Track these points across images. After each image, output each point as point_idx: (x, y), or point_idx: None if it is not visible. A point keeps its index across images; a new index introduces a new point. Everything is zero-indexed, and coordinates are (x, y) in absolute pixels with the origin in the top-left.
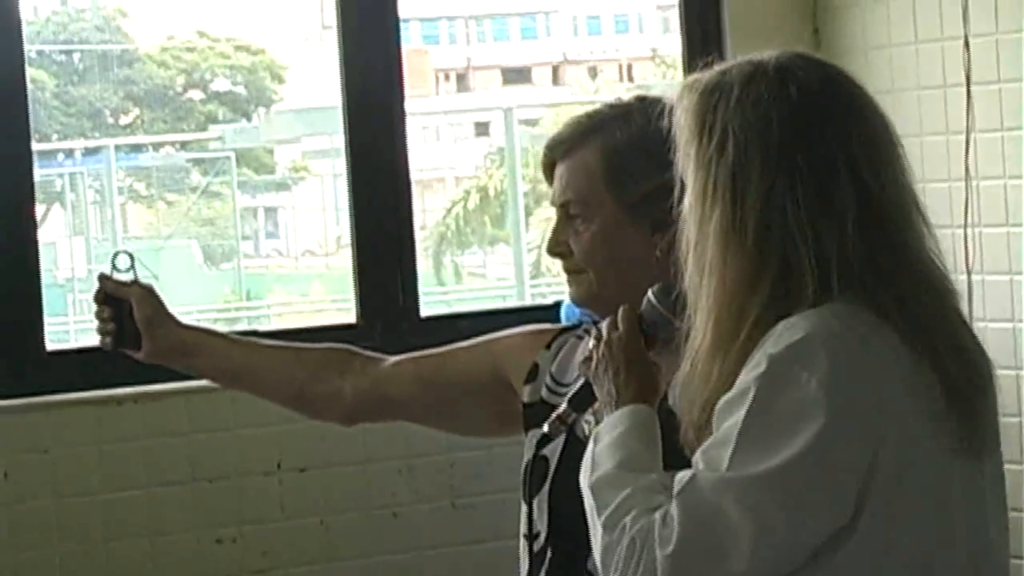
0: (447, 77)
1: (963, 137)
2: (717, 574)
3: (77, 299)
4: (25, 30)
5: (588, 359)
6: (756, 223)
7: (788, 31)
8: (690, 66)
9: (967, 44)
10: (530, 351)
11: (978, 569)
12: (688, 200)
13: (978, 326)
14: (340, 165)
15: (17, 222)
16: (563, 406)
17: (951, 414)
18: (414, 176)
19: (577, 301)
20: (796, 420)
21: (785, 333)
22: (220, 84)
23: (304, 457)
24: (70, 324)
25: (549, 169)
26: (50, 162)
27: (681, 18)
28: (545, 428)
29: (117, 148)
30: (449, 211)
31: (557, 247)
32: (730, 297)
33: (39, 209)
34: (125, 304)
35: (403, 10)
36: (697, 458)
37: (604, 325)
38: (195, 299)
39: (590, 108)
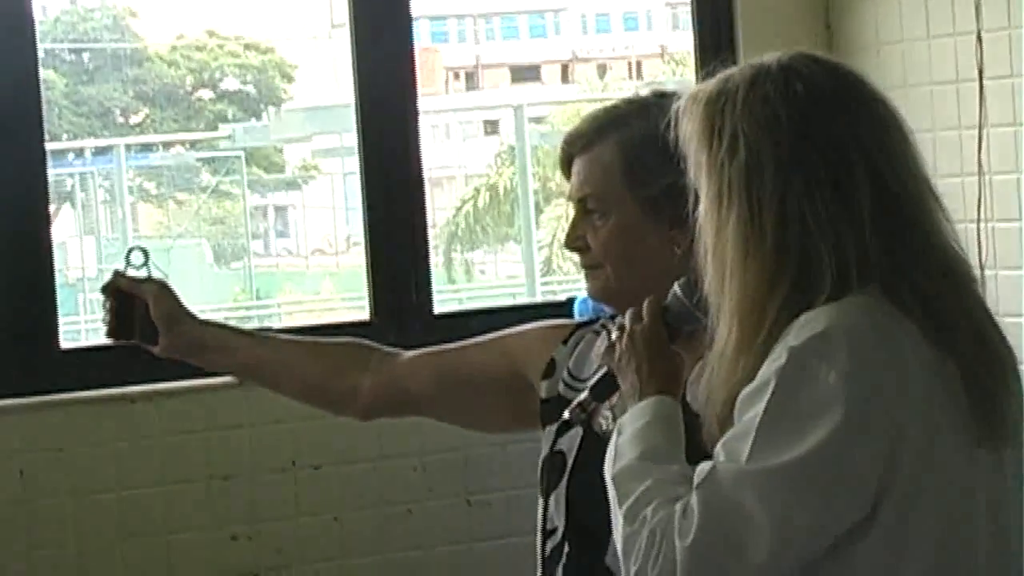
0: (456, 75)
1: (976, 132)
2: (736, 566)
3: (88, 299)
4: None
5: (611, 349)
6: (774, 222)
7: (800, 27)
8: (702, 64)
9: (980, 39)
10: (547, 346)
11: (997, 560)
12: (703, 206)
13: None
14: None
15: (31, 221)
16: (584, 394)
17: (972, 405)
18: (424, 174)
19: (594, 296)
20: (815, 413)
21: (806, 326)
22: (230, 83)
23: (319, 454)
24: (81, 324)
25: (567, 164)
26: (60, 162)
27: (693, 15)
28: (566, 415)
29: (127, 148)
30: (459, 209)
31: (575, 242)
32: (751, 297)
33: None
34: (139, 299)
35: (413, 9)
36: (718, 450)
37: (627, 316)
38: (205, 298)
39: (608, 103)
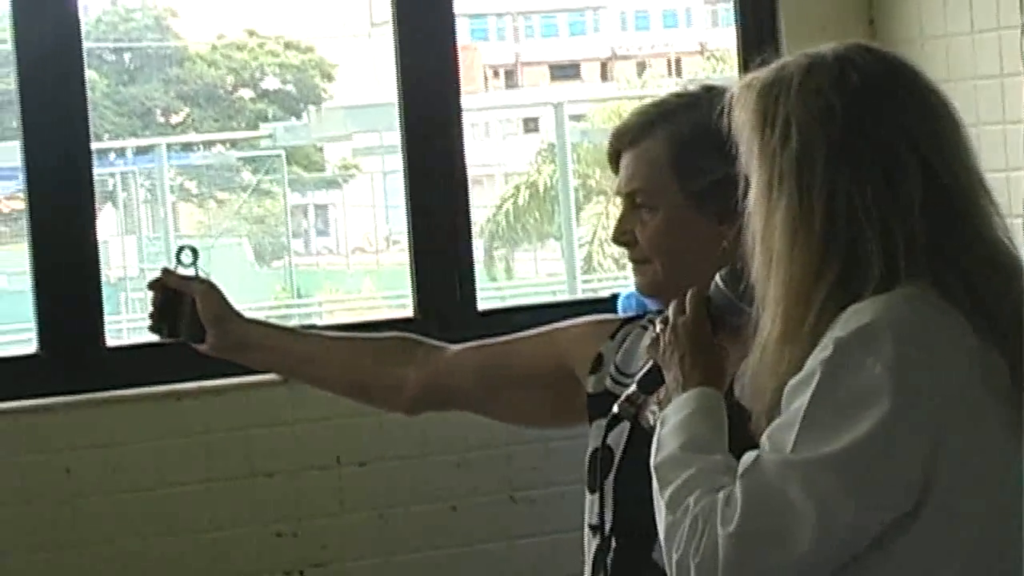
0: (496, 73)
1: (1021, 127)
2: (778, 555)
3: (130, 298)
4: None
5: (655, 342)
6: (823, 211)
7: (844, 22)
8: (745, 60)
9: None
10: (594, 341)
11: None
12: (753, 194)
13: None
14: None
15: (77, 221)
16: (632, 387)
17: (1019, 398)
18: (467, 172)
19: (643, 291)
20: (861, 404)
21: (852, 318)
22: (270, 82)
23: (363, 451)
24: (123, 323)
25: (615, 158)
26: (102, 161)
27: (736, 11)
28: (615, 409)
29: (168, 147)
30: (500, 207)
31: (622, 236)
32: (798, 286)
33: None
34: (187, 297)
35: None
36: (763, 440)
37: (671, 309)
38: (246, 297)
39: (656, 98)
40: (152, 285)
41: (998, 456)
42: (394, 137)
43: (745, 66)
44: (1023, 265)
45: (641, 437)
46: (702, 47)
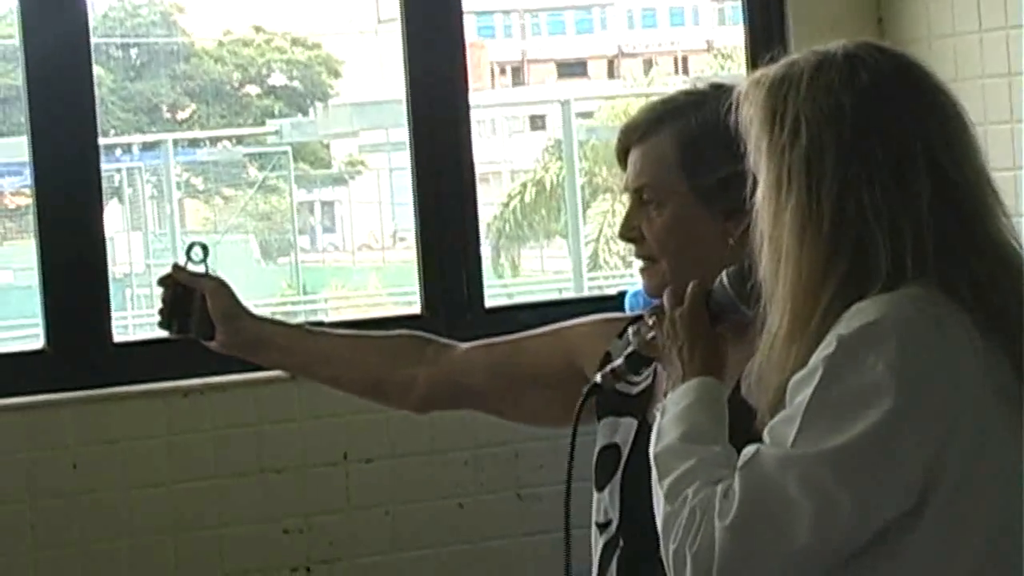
0: (503, 71)
1: None
2: (775, 549)
3: (136, 294)
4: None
5: (653, 340)
6: (832, 209)
7: (852, 21)
8: (753, 58)
9: None
10: (602, 339)
11: None
12: (761, 191)
13: None
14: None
15: (84, 217)
16: (619, 361)
17: None
18: (475, 169)
19: (650, 292)
20: (862, 401)
21: (857, 315)
22: (276, 79)
23: (370, 448)
24: (129, 319)
25: (623, 155)
26: (108, 157)
27: (744, 10)
28: (597, 378)
29: (174, 143)
30: (507, 205)
31: (629, 232)
32: (806, 284)
33: None
34: (197, 293)
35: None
36: (764, 434)
37: (665, 300)
38: (252, 293)
39: (665, 95)
40: (162, 281)
41: (1004, 457)
42: (401, 134)
43: (752, 64)
44: None
45: (648, 435)
46: (709, 45)
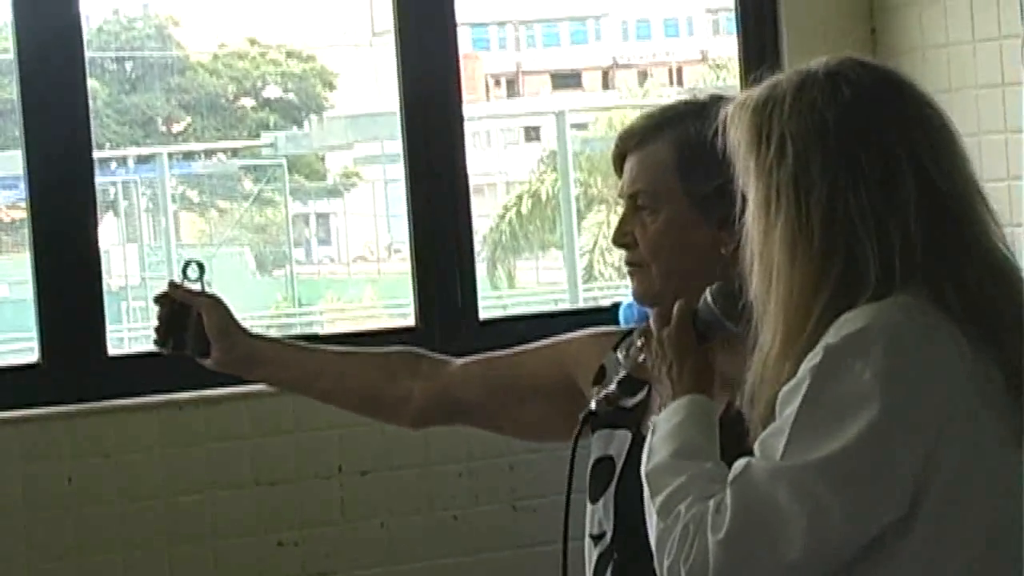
0: (497, 82)
1: (1022, 136)
2: (769, 561)
3: (131, 307)
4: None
5: (636, 352)
6: (821, 224)
7: (845, 30)
8: (747, 69)
9: None
10: (597, 353)
11: None
12: (751, 211)
13: None
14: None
15: (79, 230)
16: (612, 387)
17: (1015, 406)
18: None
19: (639, 298)
20: (849, 409)
21: (845, 325)
22: (271, 91)
23: (365, 460)
24: (124, 332)
25: (619, 161)
26: (104, 170)
27: (737, 21)
28: (592, 405)
29: (170, 156)
30: (502, 216)
31: (623, 238)
32: (798, 299)
33: None
34: (193, 311)
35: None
36: (755, 447)
37: (652, 322)
38: (247, 306)
39: (665, 103)
40: (158, 299)
41: (993, 464)
42: (396, 146)
43: (746, 75)
44: (1020, 274)
45: (643, 448)
46: (704, 56)
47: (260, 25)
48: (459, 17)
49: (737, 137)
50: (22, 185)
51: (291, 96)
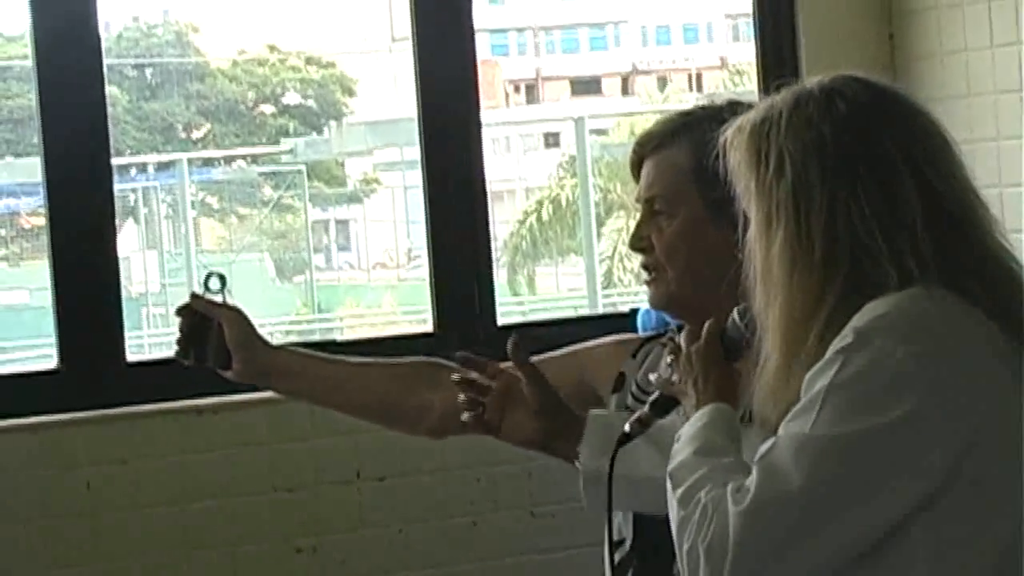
0: (517, 88)
1: None
2: (791, 534)
3: (151, 313)
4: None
5: (670, 380)
6: (823, 236)
7: (863, 36)
8: (765, 75)
9: None
10: (616, 361)
11: None
12: (752, 230)
13: None
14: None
15: (97, 237)
16: (645, 408)
17: None
18: (487, 186)
19: (654, 304)
20: (889, 391)
21: (871, 310)
22: (291, 98)
23: (383, 466)
24: (144, 338)
25: (637, 166)
26: (123, 177)
27: (755, 27)
28: (626, 428)
29: (189, 162)
30: (522, 222)
31: (639, 242)
32: (798, 311)
33: None
34: (214, 323)
35: (474, 21)
36: (780, 429)
37: (683, 338)
38: (267, 312)
39: (683, 108)
40: (180, 311)
41: (1021, 452)
42: (415, 152)
43: (765, 80)
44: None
45: None
46: (723, 62)
47: (280, 31)
48: (479, 23)
49: (736, 159)
50: (41, 192)
51: (311, 102)
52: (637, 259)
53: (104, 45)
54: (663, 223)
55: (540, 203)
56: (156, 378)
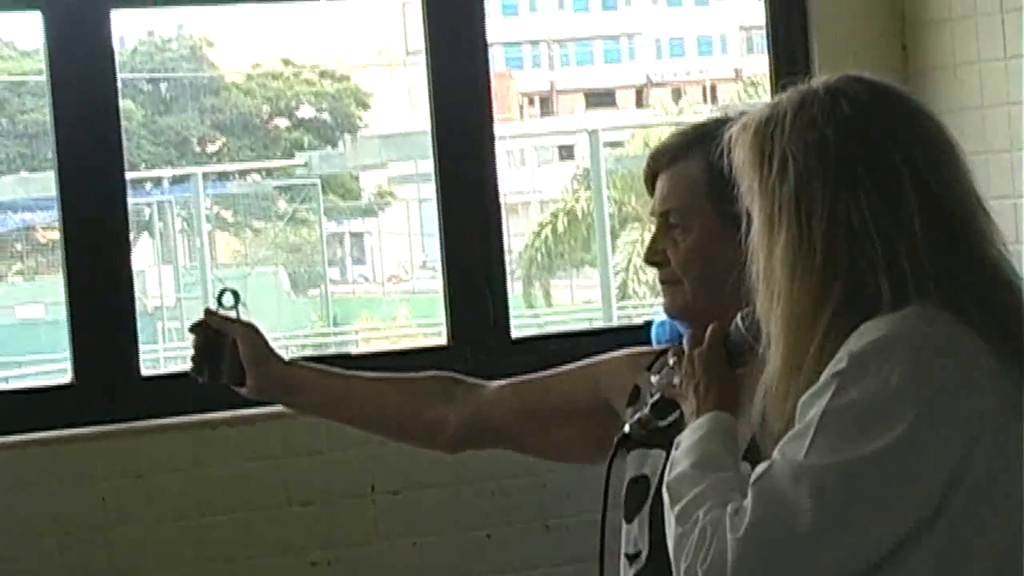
0: (531, 101)
1: None
2: (788, 561)
3: (166, 327)
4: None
5: (671, 383)
6: (824, 239)
7: (876, 48)
8: (778, 88)
9: None
10: (630, 373)
11: None
12: (755, 230)
13: None
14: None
15: (111, 251)
16: (645, 410)
17: None
18: (501, 199)
19: (670, 312)
20: (880, 416)
21: (867, 332)
22: (305, 111)
23: (397, 480)
24: (160, 352)
25: (651, 179)
26: (138, 191)
27: (768, 38)
28: (627, 429)
29: (204, 176)
30: (538, 234)
31: (654, 256)
32: (800, 318)
33: None
34: (228, 339)
35: (488, 35)
36: (775, 451)
37: (685, 342)
38: (283, 325)
39: (697, 121)
40: (194, 328)
41: (1017, 469)
42: (429, 165)
43: (778, 92)
44: (1021, 280)
45: None
46: (737, 73)
47: (294, 45)
48: (493, 36)
49: (741, 158)
50: (56, 206)
51: (325, 116)
52: (651, 271)
53: (119, 59)
54: (678, 236)
55: (555, 215)
56: (171, 392)
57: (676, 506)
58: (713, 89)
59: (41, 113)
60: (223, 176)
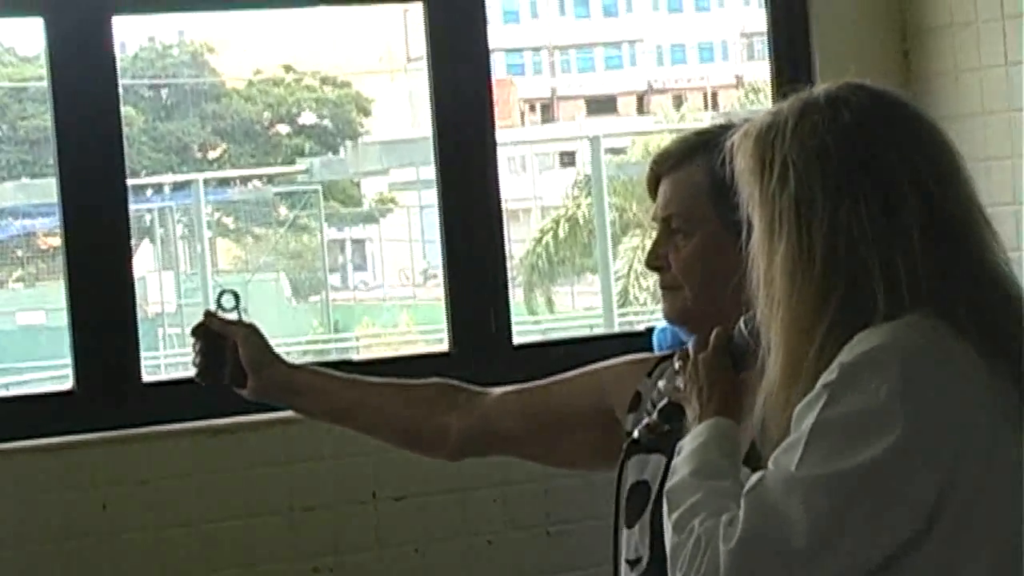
0: (532, 107)
1: None
2: (779, 571)
3: (167, 333)
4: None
5: (678, 388)
6: (823, 248)
7: (877, 54)
8: (780, 95)
9: None
10: (632, 380)
11: None
12: (755, 238)
13: None
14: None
15: (113, 257)
16: (653, 415)
17: None
18: (502, 206)
19: (670, 317)
20: (869, 428)
21: (858, 344)
22: (307, 118)
23: (400, 486)
24: (161, 358)
25: (654, 184)
26: (139, 197)
27: (769, 45)
28: (635, 434)
29: (205, 183)
30: (539, 240)
31: (656, 261)
32: (800, 326)
33: None
34: (229, 342)
35: (489, 41)
36: (769, 462)
37: (691, 346)
38: (284, 332)
39: (699, 127)
40: (195, 331)
41: (1009, 481)
42: (431, 172)
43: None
44: (1022, 291)
45: None
46: (738, 80)
47: (295, 52)
48: (494, 43)
49: (741, 165)
50: (57, 212)
51: (326, 122)
52: (652, 278)
53: (120, 65)
54: (680, 242)
55: (556, 222)
56: (173, 398)
57: (673, 514)
58: (714, 96)
59: (42, 119)
60: (224, 182)
